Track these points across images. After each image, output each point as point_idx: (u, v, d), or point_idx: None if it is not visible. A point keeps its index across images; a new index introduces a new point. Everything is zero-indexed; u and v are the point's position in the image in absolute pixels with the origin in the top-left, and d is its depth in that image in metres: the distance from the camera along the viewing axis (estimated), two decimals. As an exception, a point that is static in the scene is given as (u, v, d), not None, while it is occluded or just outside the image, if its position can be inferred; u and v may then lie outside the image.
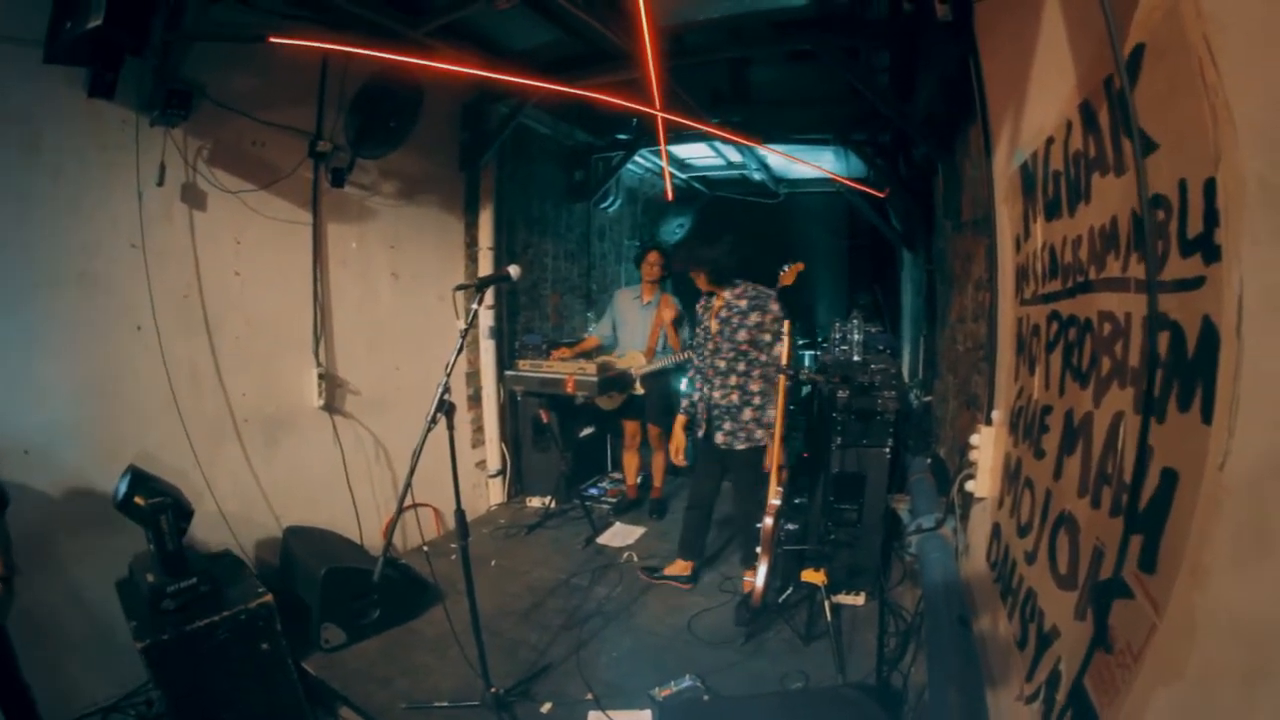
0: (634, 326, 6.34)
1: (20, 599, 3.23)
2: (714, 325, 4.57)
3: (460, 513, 3.29)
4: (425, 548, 4.71)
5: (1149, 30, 1.20)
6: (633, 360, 6.22)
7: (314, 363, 4.72)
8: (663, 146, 6.43)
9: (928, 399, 5.50)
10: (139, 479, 3.29)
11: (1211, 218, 1.02)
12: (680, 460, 4.96)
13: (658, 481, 6.52)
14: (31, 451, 3.33)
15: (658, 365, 6.06)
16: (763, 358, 4.48)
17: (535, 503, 6.54)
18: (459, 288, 3.64)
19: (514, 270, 3.54)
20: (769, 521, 4.08)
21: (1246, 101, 0.94)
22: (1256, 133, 0.92)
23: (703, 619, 4.35)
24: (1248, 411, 0.94)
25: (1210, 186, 1.02)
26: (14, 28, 3.16)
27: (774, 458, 4.29)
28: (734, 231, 4.65)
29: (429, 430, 3.03)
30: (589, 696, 3.58)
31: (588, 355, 6.33)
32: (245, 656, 3.29)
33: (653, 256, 6.27)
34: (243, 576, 3.61)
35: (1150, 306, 1.17)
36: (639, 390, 6.20)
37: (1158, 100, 1.18)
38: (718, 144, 7.77)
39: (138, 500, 3.20)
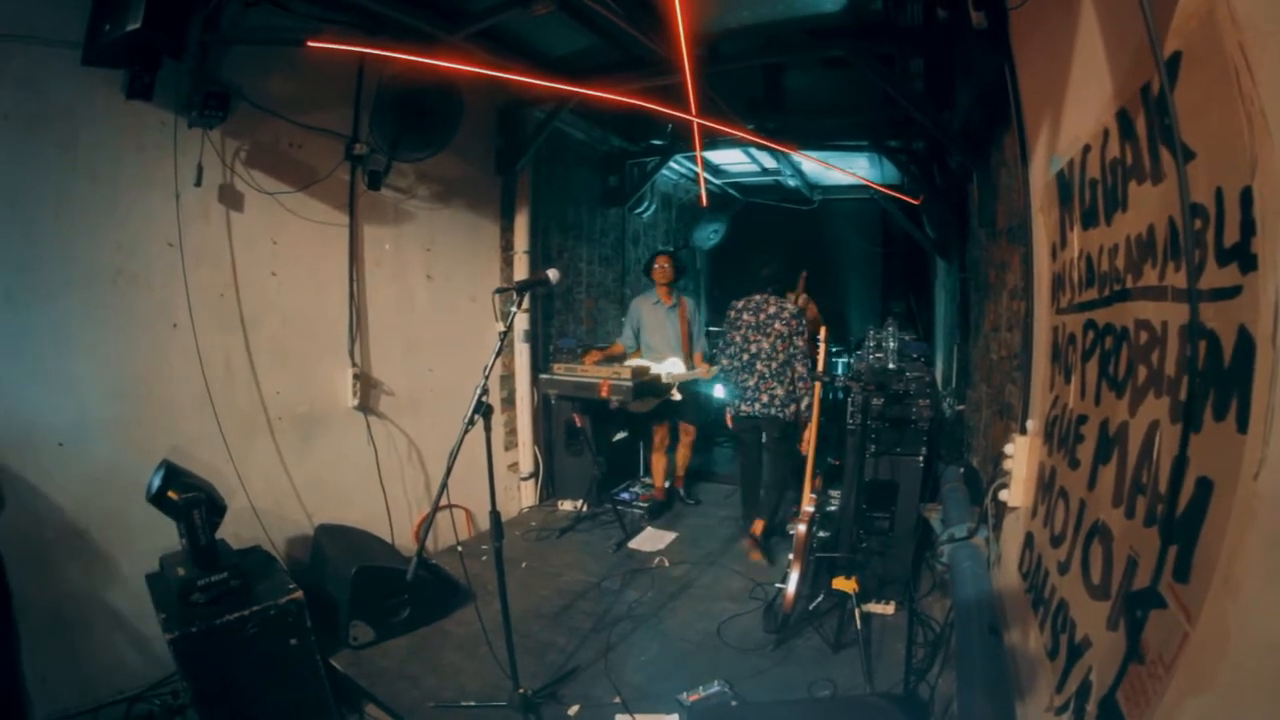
0: (659, 330, 6.39)
1: (51, 589, 3.32)
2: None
3: (495, 514, 3.29)
4: (458, 548, 4.74)
5: (1185, 38, 1.20)
6: (673, 368, 6.23)
7: (349, 363, 4.77)
8: (698, 152, 6.45)
9: (961, 408, 5.46)
10: (172, 473, 3.34)
11: (1248, 226, 1.02)
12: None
13: (681, 471, 6.65)
14: (66, 444, 3.40)
15: (699, 375, 6.15)
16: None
17: (567, 506, 6.55)
18: (498, 291, 3.67)
19: (553, 274, 3.56)
20: (801, 529, 4.07)
21: (1283, 110, 0.94)
22: (1294, 141, 0.92)
23: (732, 625, 4.34)
24: (1283, 421, 0.94)
25: (1247, 195, 1.01)
26: (53, 30, 3.24)
27: (808, 465, 4.32)
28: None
29: (466, 431, 3.04)
30: (616, 699, 3.58)
31: (615, 360, 6.36)
32: (273, 651, 3.34)
33: (663, 260, 6.37)
34: (273, 572, 3.66)
35: (1192, 316, 1.16)
36: (676, 396, 6.22)
37: (1194, 108, 1.18)
38: (752, 150, 7.77)
39: (171, 494, 3.25)
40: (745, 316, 5.45)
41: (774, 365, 5.32)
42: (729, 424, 5.72)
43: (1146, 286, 1.45)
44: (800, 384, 5.34)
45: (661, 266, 6.33)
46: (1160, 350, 1.37)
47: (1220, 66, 1.07)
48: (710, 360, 6.49)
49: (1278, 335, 0.95)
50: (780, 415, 5.32)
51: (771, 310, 5.36)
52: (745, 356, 5.41)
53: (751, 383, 5.38)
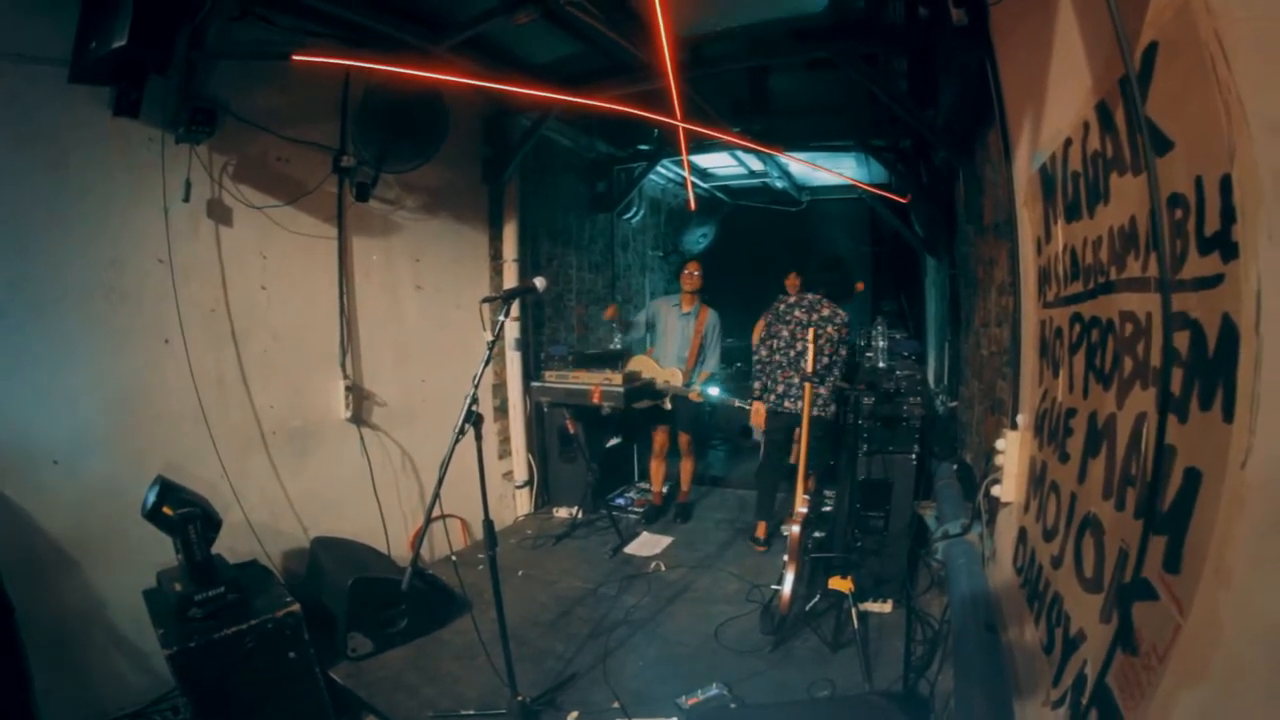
0: (672, 335, 6.36)
1: (50, 605, 3.30)
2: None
3: (488, 522, 3.31)
4: (454, 558, 4.73)
5: (1161, 28, 1.20)
6: (671, 376, 6.22)
7: (340, 375, 4.76)
8: (684, 156, 6.44)
9: (953, 404, 5.46)
10: (167, 489, 3.33)
11: (1228, 214, 1.02)
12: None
13: (685, 486, 6.56)
14: (60, 461, 3.39)
15: (694, 393, 6.13)
16: None
17: (562, 513, 6.55)
18: (485, 300, 3.66)
19: (540, 282, 3.56)
20: (795, 529, 4.07)
21: (1259, 97, 0.94)
22: (1270, 128, 0.92)
23: (730, 627, 4.34)
24: (1268, 409, 0.94)
25: (1226, 183, 1.01)
26: (39, 48, 3.23)
27: (801, 467, 4.32)
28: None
29: (457, 441, 3.05)
30: (615, 705, 3.58)
31: (610, 360, 6.36)
32: (272, 665, 3.32)
33: (692, 267, 6.31)
34: (270, 586, 3.64)
35: (1164, 307, 1.16)
36: (667, 406, 6.23)
37: (1172, 98, 1.18)
38: (739, 153, 7.78)
39: (166, 510, 3.24)
40: (797, 313, 5.42)
41: (818, 366, 5.21)
42: (755, 421, 5.67)
43: (1130, 278, 1.45)
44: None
45: (690, 273, 6.29)
46: (1145, 341, 1.37)
47: (1196, 55, 1.07)
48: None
49: (1261, 323, 0.94)
50: (823, 415, 5.27)
51: (825, 312, 5.34)
52: (792, 353, 5.41)
53: (796, 380, 5.35)
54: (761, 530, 5.68)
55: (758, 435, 7.18)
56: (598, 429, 6.62)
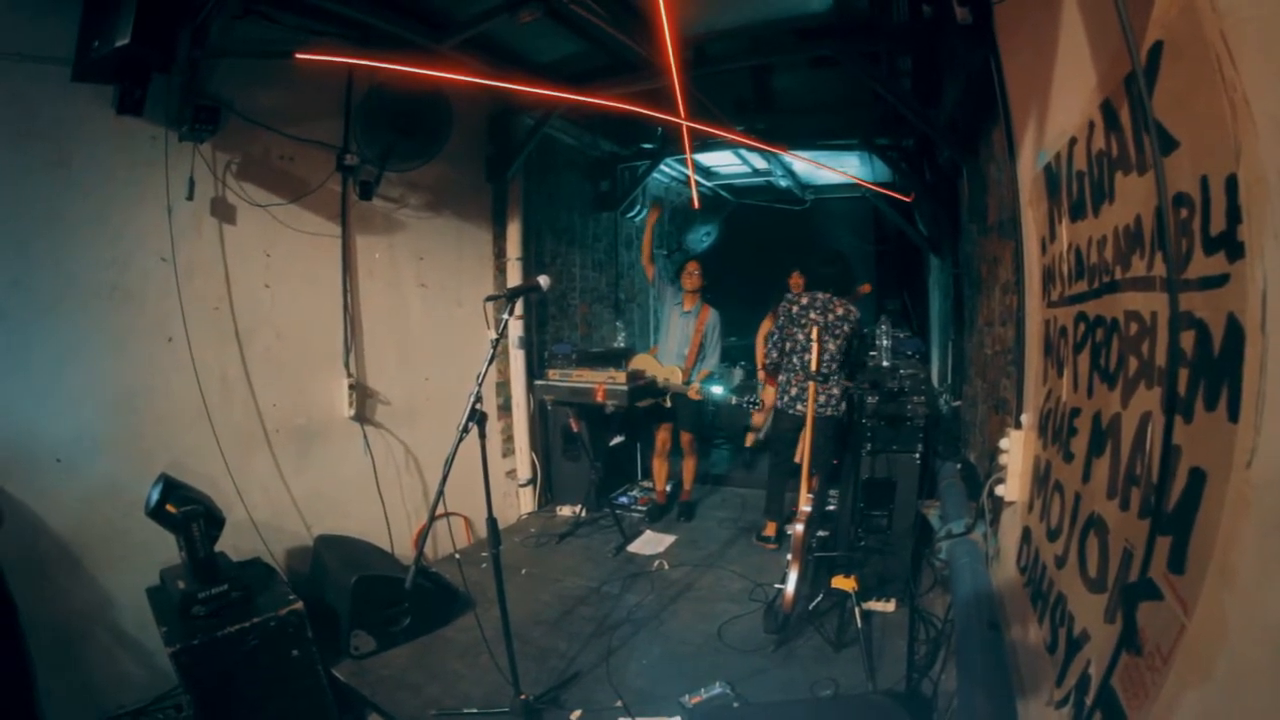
0: (672, 333, 6.38)
1: (53, 604, 3.30)
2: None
3: (492, 520, 3.30)
4: (457, 556, 4.72)
5: (1166, 27, 1.20)
6: (671, 374, 6.22)
7: (344, 373, 4.76)
8: (688, 155, 6.45)
9: (957, 404, 5.46)
10: (171, 487, 3.33)
11: (1234, 214, 1.01)
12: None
13: (688, 485, 6.55)
14: (64, 460, 3.40)
15: (693, 390, 6.10)
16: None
17: (566, 511, 6.55)
18: (489, 299, 3.66)
19: (544, 280, 3.57)
20: (799, 528, 4.07)
21: (1265, 96, 0.94)
22: (1277, 127, 0.91)
23: (733, 626, 4.33)
24: (1273, 408, 0.93)
25: (1232, 183, 1.01)
26: (42, 47, 3.23)
27: (804, 465, 4.32)
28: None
29: (461, 439, 3.05)
30: (618, 704, 3.57)
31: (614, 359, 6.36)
32: (275, 663, 3.32)
33: (692, 266, 6.31)
34: (273, 584, 3.65)
35: (1171, 306, 1.16)
36: (667, 404, 6.23)
37: (1178, 97, 1.18)
38: (743, 151, 7.78)
39: (169, 508, 3.24)
40: (812, 315, 5.32)
41: (833, 366, 5.24)
42: (755, 421, 5.65)
43: (1135, 277, 1.44)
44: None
45: (690, 272, 6.29)
46: (1150, 341, 1.36)
47: (1202, 54, 1.07)
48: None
49: (1266, 323, 0.94)
50: (835, 414, 5.29)
51: (840, 312, 5.28)
52: (807, 356, 5.21)
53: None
54: (771, 529, 5.67)
55: (761, 434, 7.18)
56: (601, 427, 6.62)
